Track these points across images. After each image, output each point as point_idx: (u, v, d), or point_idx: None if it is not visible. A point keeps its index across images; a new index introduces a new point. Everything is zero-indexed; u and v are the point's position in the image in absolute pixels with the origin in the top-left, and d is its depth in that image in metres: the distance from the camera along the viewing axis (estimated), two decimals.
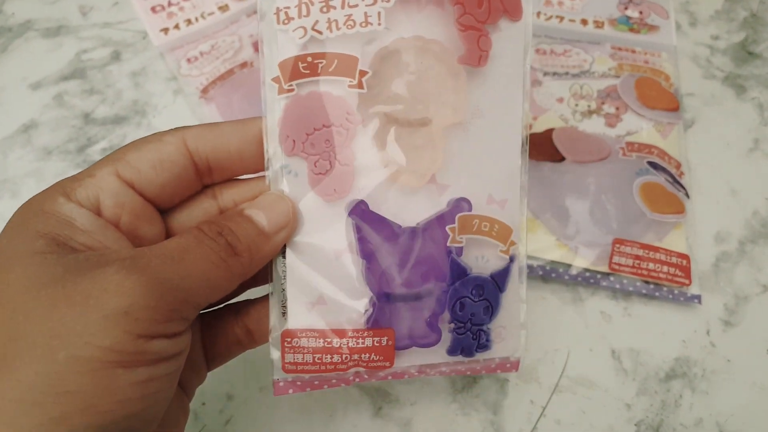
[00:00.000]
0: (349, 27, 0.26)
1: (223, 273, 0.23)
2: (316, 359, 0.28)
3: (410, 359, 0.29)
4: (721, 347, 0.38)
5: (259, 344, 0.29)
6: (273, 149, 0.27)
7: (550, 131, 0.45)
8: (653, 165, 0.43)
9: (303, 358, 0.28)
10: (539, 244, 0.40)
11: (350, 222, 0.27)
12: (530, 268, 0.39)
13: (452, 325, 0.28)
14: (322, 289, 0.27)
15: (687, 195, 0.42)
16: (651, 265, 0.39)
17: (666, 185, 0.42)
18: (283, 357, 0.28)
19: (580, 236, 0.40)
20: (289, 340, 0.27)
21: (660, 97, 0.47)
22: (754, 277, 0.41)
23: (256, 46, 0.49)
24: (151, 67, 0.49)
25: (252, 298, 0.29)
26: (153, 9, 0.50)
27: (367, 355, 0.28)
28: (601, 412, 0.36)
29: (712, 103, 0.49)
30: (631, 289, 0.39)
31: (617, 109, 0.47)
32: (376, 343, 0.28)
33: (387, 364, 0.28)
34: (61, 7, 0.53)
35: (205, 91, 0.46)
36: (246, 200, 0.27)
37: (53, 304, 0.20)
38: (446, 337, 0.29)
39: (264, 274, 0.27)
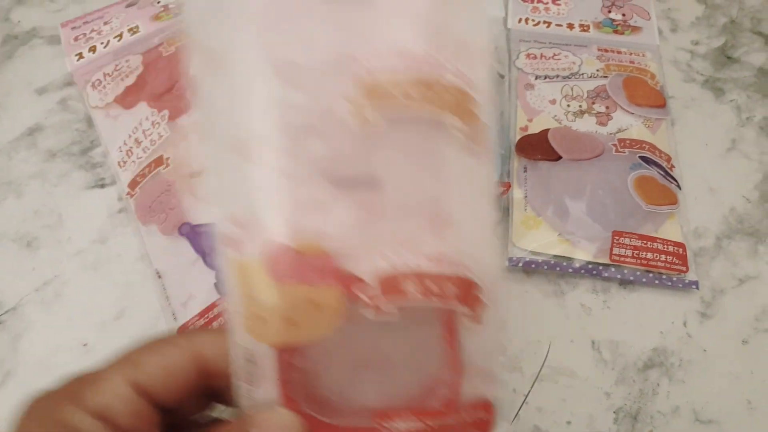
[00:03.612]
0: None
1: None
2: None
3: None
4: (698, 338, 0.40)
5: None
6: None
7: (545, 131, 0.46)
8: (645, 159, 0.45)
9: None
10: (542, 241, 0.42)
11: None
12: (535, 263, 0.41)
13: None
14: (189, 290, 0.39)
15: (679, 186, 0.44)
16: (650, 255, 0.41)
17: (658, 178, 0.44)
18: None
19: (581, 231, 0.42)
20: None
21: (647, 95, 0.49)
22: (730, 271, 0.42)
23: None
24: None
25: None
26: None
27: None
28: (581, 400, 0.37)
29: (692, 106, 0.51)
30: (632, 278, 0.41)
31: (607, 108, 0.48)
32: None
33: None
34: (66, 16, 0.54)
35: None
36: None
37: None
38: None
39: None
